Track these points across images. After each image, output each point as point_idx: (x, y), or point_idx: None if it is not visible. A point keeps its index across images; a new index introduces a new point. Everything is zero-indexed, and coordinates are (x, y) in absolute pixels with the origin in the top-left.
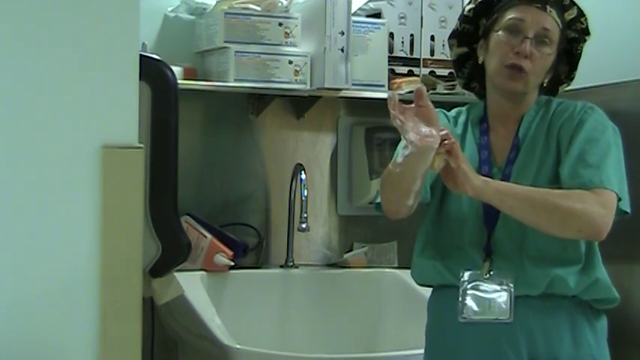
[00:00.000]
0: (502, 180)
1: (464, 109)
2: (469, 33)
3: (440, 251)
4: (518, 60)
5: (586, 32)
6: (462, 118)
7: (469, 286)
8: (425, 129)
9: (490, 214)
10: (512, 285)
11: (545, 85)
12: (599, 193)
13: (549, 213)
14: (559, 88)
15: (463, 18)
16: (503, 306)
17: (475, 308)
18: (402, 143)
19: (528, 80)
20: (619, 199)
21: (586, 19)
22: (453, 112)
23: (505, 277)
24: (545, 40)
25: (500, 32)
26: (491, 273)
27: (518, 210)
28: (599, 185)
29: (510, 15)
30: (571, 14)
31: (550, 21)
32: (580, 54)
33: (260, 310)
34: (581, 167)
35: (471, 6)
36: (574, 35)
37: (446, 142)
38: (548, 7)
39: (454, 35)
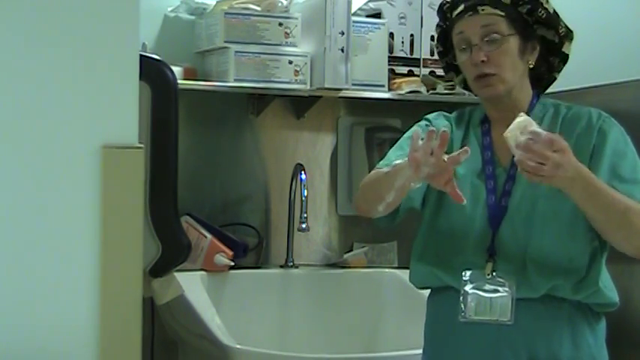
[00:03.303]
0: (507, 181)
1: (465, 110)
2: (454, 62)
3: (439, 255)
4: (479, 69)
5: None
6: (463, 120)
7: (470, 286)
8: (429, 169)
9: (495, 215)
10: (514, 287)
11: (532, 66)
12: None
13: (620, 227)
14: (564, 50)
15: (439, 54)
16: (505, 307)
17: (476, 308)
18: (399, 152)
19: (503, 79)
20: None
21: None
22: (455, 113)
23: (507, 279)
24: (493, 36)
25: (457, 52)
26: (494, 274)
27: (593, 213)
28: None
29: (454, 34)
30: None
31: (486, 17)
32: (546, 16)
33: (260, 310)
34: (617, 182)
35: (438, 45)
36: (527, 7)
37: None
38: (479, 8)
39: (449, 69)
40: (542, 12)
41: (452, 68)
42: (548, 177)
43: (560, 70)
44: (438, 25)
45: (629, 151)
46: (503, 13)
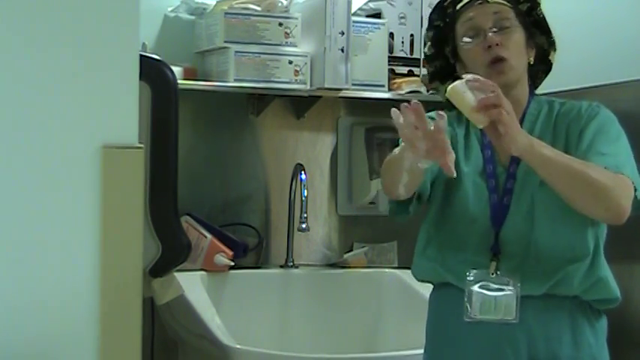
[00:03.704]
0: (507, 179)
1: None
2: (443, 67)
3: (442, 251)
4: (493, 53)
5: None
6: (463, 118)
7: (475, 286)
8: (423, 142)
9: (498, 214)
10: (518, 285)
11: (532, 63)
12: (620, 177)
13: (586, 186)
14: (550, 59)
15: (429, 58)
16: (509, 306)
17: (481, 308)
18: None
19: (512, 66)
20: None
21: None
22: (455, 112)
23: (511, 277)
24: (503, 22)
25: (463, 40)
26: (498, 273)
27: (556, 177)
28: (615, 171)
29: (460, 23)
30: None
31: (496, 6)
32: (543, 17)
33: (260, 310)
34: (593, 155)
35: (428, 45)
36: (528, 5)
37: (496, 109)
38: None
39: (434, 78)
40: (540, 12)
41: (438, 76)
42: (509, 113)
43: (539, 85)
44: (432, 27)
45: (612, 130)
46: (510, 5)
